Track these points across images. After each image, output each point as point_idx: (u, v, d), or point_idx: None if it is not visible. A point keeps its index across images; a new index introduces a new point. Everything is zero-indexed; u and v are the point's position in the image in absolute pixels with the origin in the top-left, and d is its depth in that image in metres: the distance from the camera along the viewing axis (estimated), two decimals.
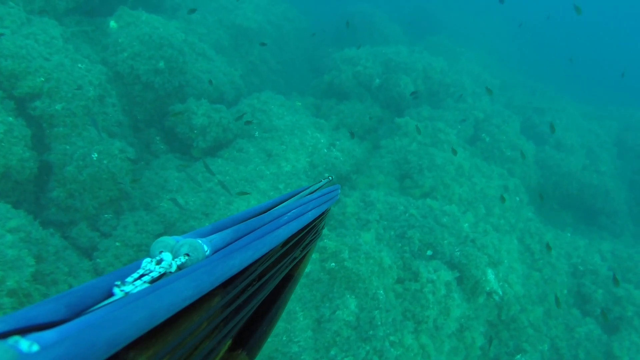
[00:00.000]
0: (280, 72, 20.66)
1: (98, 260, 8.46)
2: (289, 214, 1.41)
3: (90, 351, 0.54)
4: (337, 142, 12.47)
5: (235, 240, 1.05)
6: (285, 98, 13.81)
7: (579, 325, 11.04)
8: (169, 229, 9.39)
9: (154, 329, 0.69)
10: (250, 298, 1.13)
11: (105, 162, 9.09)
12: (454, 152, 12.00)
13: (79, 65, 9.64)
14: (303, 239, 1.62)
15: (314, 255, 8.85)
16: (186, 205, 9.68)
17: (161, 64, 11.23)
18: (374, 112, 15.11)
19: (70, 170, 8.71)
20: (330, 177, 2.60)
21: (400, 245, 9.71)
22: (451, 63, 19.45)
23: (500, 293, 9.84)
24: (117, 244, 8.73)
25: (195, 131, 11.23)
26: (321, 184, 2.23)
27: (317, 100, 15.50)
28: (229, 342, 1.07)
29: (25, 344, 0.52)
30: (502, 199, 10.95)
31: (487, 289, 9.60)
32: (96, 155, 9.01)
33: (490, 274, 9.67)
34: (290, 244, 1.48)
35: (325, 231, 9.56)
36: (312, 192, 1.99)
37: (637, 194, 18.08)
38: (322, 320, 8.08)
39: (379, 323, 8.21)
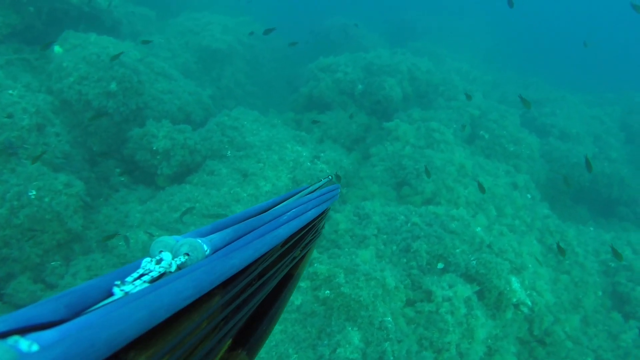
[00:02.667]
0: (256, 94, 19.43)
1: None
2: (288, 213, 1.40)
3: (90, 351, 0.53)
4: (322, 154, 11.10)
5: (235, 240, 1.04)
6: (262, 115, 12.50)
7: (623, 332, 9.50)
8: None
9: (153, 328, 0.68)
10: (250, 297, 1.11)
11: (46, 200, 7.67)
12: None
13: (10, 91, 8.30)
14: (303, 239, 1.60)
15: (304, 284, 7.37)
16: (150, 240, 8.21)
17: (113, 86, 9.91)
18: (360, 119, 13.79)
19: (2, 214, 7.27)
20: (330, 177, 2.51)
21: (405, 260, 8.24)
22: (437, 64, 18.27)
23: (529, 304, 8.32)
24: None
25: (158, 156, 9.85)
26: (321, 183, 2.22)
27: (297, 115, 14.18)
28: (229, 342, 1.05)
29: (25, 343, 0.52)
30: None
31: (514, 300, 8.09)
32: (34, 193, 7.59)
33: (515, 283, 8.18)
34: (290, 243, 1.45)
35: (315, 253, 8.13)
36: (312, 192, 1.96)
37: None
38: None
39: (391, 358, 6.69)
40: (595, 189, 15.13)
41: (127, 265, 0.82)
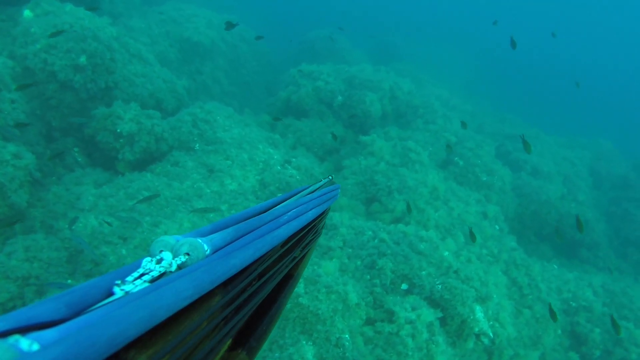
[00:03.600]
0: (234, 95, 18.96)
1: None
2: (289, 213, 1.40)
3: (91, 350, 0.53)
4: (294, 160, 10.69)
5: (236, 240, 1.04)
6: (236, 113, 12.03)
7: None
8: (73, 257, 7.28)
9: (154, 328, 0.68)
10: (251, 297, 1.11)
11: None
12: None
13: None
14: (303, 239, 1.59)
15: None
16: (100, 226, 7.61)
17: (82, 59, 9.32)
18: (336, 131, 13.48)
19: None
20: (330, 177, 2.49)
21: (369, 277, 7.86)
22: (418, 88, 18.20)
23: (491, 335, 8.04)
24: None
25: (121, 140, 9.26)
26: (321, 183, 2.22)
27: (272, 118, 13.76)
28: (229, 342, 1.05)
29: (25, 342, 0.52)
30: (472, 235, 8.98)
31: (476, 330, 7.79)
32: None
33: (479, 312, 7.90)
34: (290, 243, 1.45)
35: None
36: (312, 192, 1.96)
37: (616, 225, 16.88)
38: None
39: None
40: (560, 229, 15.15)
41: (127, 265, 0.82)
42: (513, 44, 11.65)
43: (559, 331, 10.06)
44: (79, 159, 9.42)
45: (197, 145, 9.93)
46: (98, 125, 9.14)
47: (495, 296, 8.48)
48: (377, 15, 39.94)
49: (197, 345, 0.83)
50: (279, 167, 10.20)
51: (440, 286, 7.89)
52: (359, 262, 8.11)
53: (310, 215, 1.59)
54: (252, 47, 21.60)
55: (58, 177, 8.91)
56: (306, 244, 1.65)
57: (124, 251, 7.21)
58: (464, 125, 10.98)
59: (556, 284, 11.17)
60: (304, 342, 6.35)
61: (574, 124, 28.59)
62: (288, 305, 6.61)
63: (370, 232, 8.73)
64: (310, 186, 2.03)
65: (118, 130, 9.13)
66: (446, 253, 8.79)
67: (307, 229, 1.63)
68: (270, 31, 28.05)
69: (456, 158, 14.06)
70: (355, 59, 23.27)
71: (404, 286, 7.89)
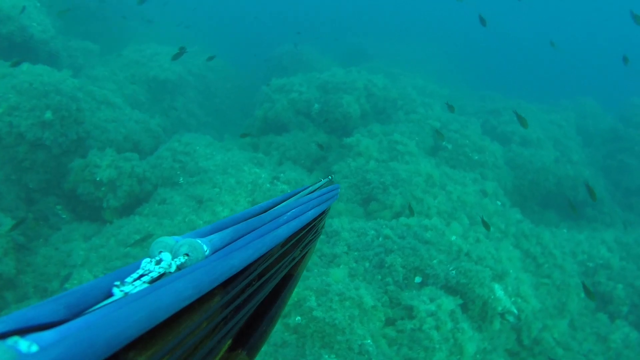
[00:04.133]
0: (211, 124, 18.72)
1: None
2: (288, 213, 1.40)
3: (90, 351, 0.53)
4: (282, 175, 10.45)
5: (235, 240, 1.03)
6: (215, 140, 11.81)
7: (611, 332, 9.08)
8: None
9: (153, 329, 0.67)
10: (250, 298, 1.10)
11: None
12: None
13: None
14: (303, 239, 1.58)
15: None
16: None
17: (48, 115, 9.07)
18: (319, 139, 13.27)
19: None
20: (330, 177, 2.51)
21: (380, 277, 7.59)
22: (392, 82, 18.07)
23: (515, 312, 7.78)
24: None
25: (103, 188, 8.98)
26: (321, 183, 2.22)
27: (253, 139, 13.54)
28: (228, 342, 1.04)
29: (24, 344, 0.51)
30: (485, 224, 8.55)
31: (499, 309, 7.53)
32: None
33: (499, 290, 7.64)
34: (290, 243, 1.43)
35: None
36: (312, 192, 1.95)
37: (615, 178, 16.76)
38: None
39: None
40: (561, 192, 14.97)
41: (126, 266, 0.81)
42: (482, 21, 11.55)
43: (582, 294, 9.81)
44: (64, 216, 9.12)
45: (182, 179, 9.67)
46: (76, 177, 8.87)
47: (511, 271, 8.23)
48: (339, 20, 40.00)
49: (196, 345, 0.83)
50: (268, 185, 9.96)
51: (454, 272, 7.64)
52: (367, 264, 7.84)
53: (310, 215, 1.59)
54: (220, 74, 21.45)
55: (45, 238, 8.61)
56: (306, 243, 1.64)
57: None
58: (450, 108, 10.66)
59: (569, 247, 10.96)
60: (326, 356, 6.07)
61: (552, 89, 28.58)
62: (303, 322, 6.33)
63: (372, 232, 8.48)
64: (310, 186, 2.02)
65: (97, 179, 8.86)
66: (454, 237, 8.55)
67: (307, 229, 1.62)
68: (236, 56, 28.01)
69: (444, 142, 13.88)
70: (325, 65, 23.15)
71: (418, 279, 7.63)
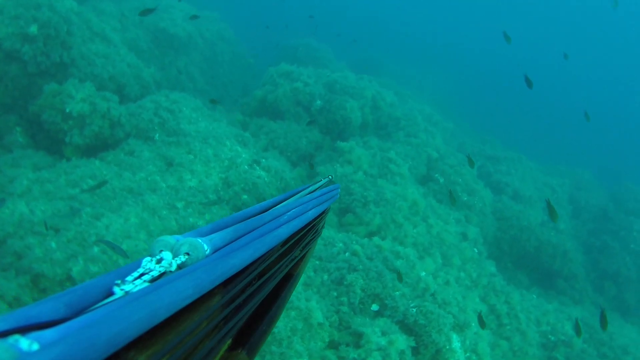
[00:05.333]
0: (208, 93, 17.93)
1: None
2: (289, 213, 1.39)
3: (90, 350, 0.53)
4: (263, 160, 9.77)
5: (236, 240, 1.04)
6: (206, 107, 11.09)
7: None
8: None
9: (154, 328, 0.67)
10: (250, 297, 1.11)
11: None
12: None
13: None
14: (303, 238, 1.59)
15: None
16: (31, 214, 6.56)
17: (33, 29, 8.29)
18: (313, 136, 12.64)
19: None
20: (330, 176, 2.50)
21: (335, 294, 6.95)
22: (400, 102, 17.55)
23: None
24: None
25: (70, 121, 8.22)
26: (321, 183, 2.20)
27: (245, 118, 12.85)
28: (229, 342, 1.05)
29: (25, 342, 0.51)
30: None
31: None
32: None
33: (456, 341, 7.05)
34: (290, 243, 1.43)
35: None
36: (312, 192, 1.95)
37: (594, 258, 16.37)
38: None
39: None
40: (538, 257, 14.51)
41: (127, 265, 0.81)
42: (529, 83, 9.77)
43: None
44: (20, 139, 8.34)
45: (157, 136, 8.94)
46: (45, 102, 8.10)
47: (474, 324, 7.65)
48: (359, 26, 39.48)
49: (197, 345, 0.82)
50: (246, 167, 9.28)
51: (415, 310, 7.03)
52: (325, 277, 7.20)
53: (310, 215, 1.58)
54: (232, 47, 20.73)
55: None
56: (306, 243, 1.63)
57: (53, 244, 6.16)
58: (471, 163, 9.11)
59: (535, 314, 10.44)
60: None
61: (552, 152, 28.35)
62: None
63: (341, 244, 7.85)
64: (310, 186, 2.01)
65: (67, 110, 8.09)
66: (423, 273, 7.96)
67: (307, 229, 1.62)
68: (252, 36, 27.32)
69: (437, 175, 13.34)
70: (338, 68, 22.60)
71: (375, 307, 7.01)
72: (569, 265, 14.74)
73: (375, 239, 8.34)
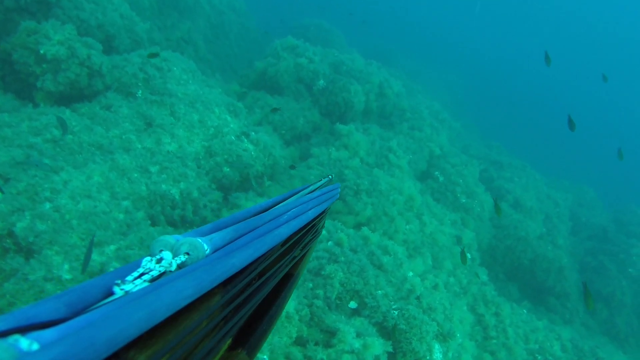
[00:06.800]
0: (210, 63, 17.14)
1: None
2: (288, 212, 1.38)
3: (90, 350, 0.53)
4: (253, 134, 9.04)
5: (236, 239, 1.04)
6: (200, 72, 10.32)
7: None
8: None
9: (154, 327, 0.67)
10: (250, 297, 1.09)
11: None
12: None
13: None
14: (303, 238, 1.57)
15: None
16: None
17: None
18: (312, 117, 11.89)
19: None
20: (330, 176, 2.49)
21: (311, 285, 6.26)
22: (408, 95, 16.79)
23: None
24: None
25: (44, 65, 7.46)
26: (321, 182, 2.22)
27: (242, 89, 12.08)
28: (229, 341, 1.04)
29: (25, 342, 0.51)
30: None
31: None
32: None
33: (438, 352, 6.37)
34: (290, 242, 1.42)
35: None
36: (312, 192, 1.96)
37: (589, 277, 15.70)
38: None
39: None
40: (532, 271, 13.86)
41: (127, 264, 0.80)
42: (571, 125, 9.57)
43: None
44: None
45: (140, 92, 8.19)
46: (18, 40, 7.34)
47: (459, 335, 6.98)
48: (376, 17, 38.60)
49: (197, 344, 0.82)
50: (232, 137, 8.54)
51: (396, 312, 6.35)
52: None
53: (310, 214, 1.55)
54: (241, 20, 19.91)
55: None
56: (306, 243, 1.60)
57: None
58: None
59: (524, 330, 9.78)
60: None
61: (558, 166, 27.63)
62: None
63: (324, 232, 7.15)
64: (310, 185, 2.02)
65: (42, 52, 7.33)
66: (410, 273, 7.27)
67: (307, 229, 1.60)
68: (264, 12, 26.45)
69: (437, 172, 12.64)
70: (348, 52, 21.83)
71: (353, 304, 6.32)
72: (563, 283, 14.11)
73: (364, 229, 7.65)
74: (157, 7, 14.84)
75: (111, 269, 5.35)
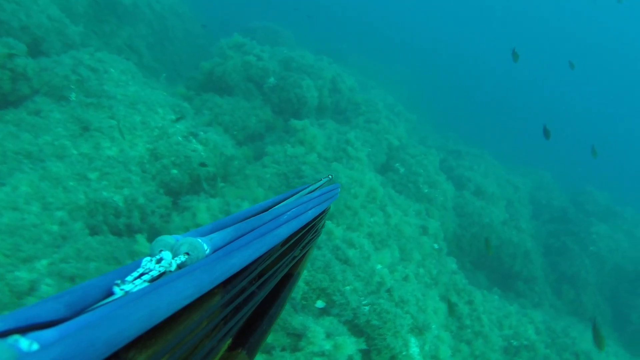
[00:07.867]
0: (155, 71, 16.41)
1: None
2: (288, 212, 1.38)
3: (90, 350, 0.53)
4: (202, 133, 8.48)
5: (235, 239, 1.03)
6: (142, 75, 9.69)
7: None
8: None
9: (153, 327, 0.67)
10: (250, 297, 1.10)
11: None
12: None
13: None
14: (303, 238, 1.58)
15: None
16: None
17: None
18: (264, 115, 11.41)
19: None
20: (330, 176, 2.46)
21: None
22: (362, 90, 16.54)
23: None
24: None
25: None
26: (321, 182, 2.20)
27: (188, 92, 11.47)
28: (228, 341, 1.04)
29: (25, 342, 0.51)
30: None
31: None
32: None
33: (414, 346, 5.99)
34: (290, 242, 1.43)
35: None
36: (312, 191, 1.94)
37: (553, 259, 15.81)
38: None
39: None
40: (498, 257, 13.79)
41: (127, 265, 0.79)
42: (547, 133, 10.02)
43: None
44: None
45: (74, 95, 7.51)
46: None
47: (434, 326, 6.63)
48: (324, 16, 38.33)
49: (197, 345, 0.81)
50: (179, 138, 7.97)
51: (367, 308, 5.93)
52: None
53: (310, 214, 1.56)
54: (185, 24, 19.25)
55: None
56: (306, 243, 1.60)
57: None
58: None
59: (497, 316, 9.57)
60: None
61: (514, 154, 28.00)
62: None
63: None
64: (309, 185, 2.00)
65: None
66: (379, 266, 6.89)
67: (306, 229, 1.60)
68: (209, 18, 25.78)
69: (397, 164, 12.37)
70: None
71: (320, 304, 5.87)
72: (529, 267, 14.12)
73: (327, 223, 7.22)
74: (93, 13, 14.04)
75: (43, 287, 4.72)
